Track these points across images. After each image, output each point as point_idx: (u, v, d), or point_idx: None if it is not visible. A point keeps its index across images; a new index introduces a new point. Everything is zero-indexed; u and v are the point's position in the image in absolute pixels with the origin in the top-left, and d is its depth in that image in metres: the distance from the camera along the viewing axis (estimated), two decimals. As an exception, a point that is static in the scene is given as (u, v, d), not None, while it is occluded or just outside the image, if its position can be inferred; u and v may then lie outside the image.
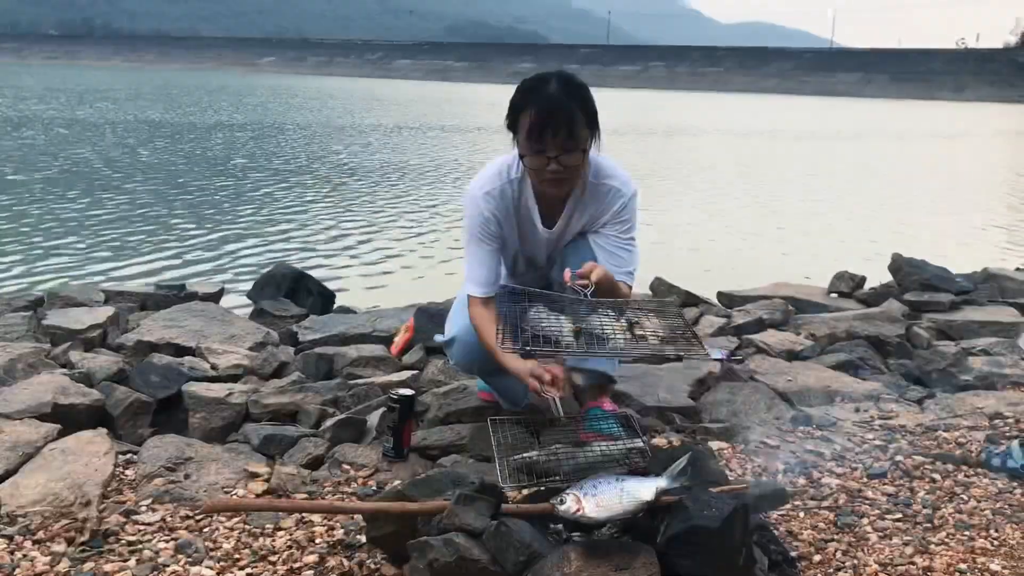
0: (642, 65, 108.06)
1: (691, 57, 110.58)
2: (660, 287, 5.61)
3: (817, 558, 2.12)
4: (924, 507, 2.44)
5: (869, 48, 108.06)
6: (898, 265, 5.58)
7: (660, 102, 54.51)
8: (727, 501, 1.65)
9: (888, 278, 5.71)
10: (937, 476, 2.67)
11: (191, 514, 2.27)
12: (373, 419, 3.04)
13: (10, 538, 2.10)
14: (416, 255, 8.27)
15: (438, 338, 3.02)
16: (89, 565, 1.98)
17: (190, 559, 2.03)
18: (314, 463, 2.76)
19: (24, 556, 2.02)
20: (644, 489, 1.73)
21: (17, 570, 1.96)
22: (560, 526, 1.79)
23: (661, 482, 1.73)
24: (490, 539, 1.63)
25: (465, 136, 22.90)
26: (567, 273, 2.48)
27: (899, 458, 2.81)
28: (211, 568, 2.00)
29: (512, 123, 2.61)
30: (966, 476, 2.69)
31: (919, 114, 49.12)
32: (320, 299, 4.94)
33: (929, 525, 2.33)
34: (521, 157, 2.63)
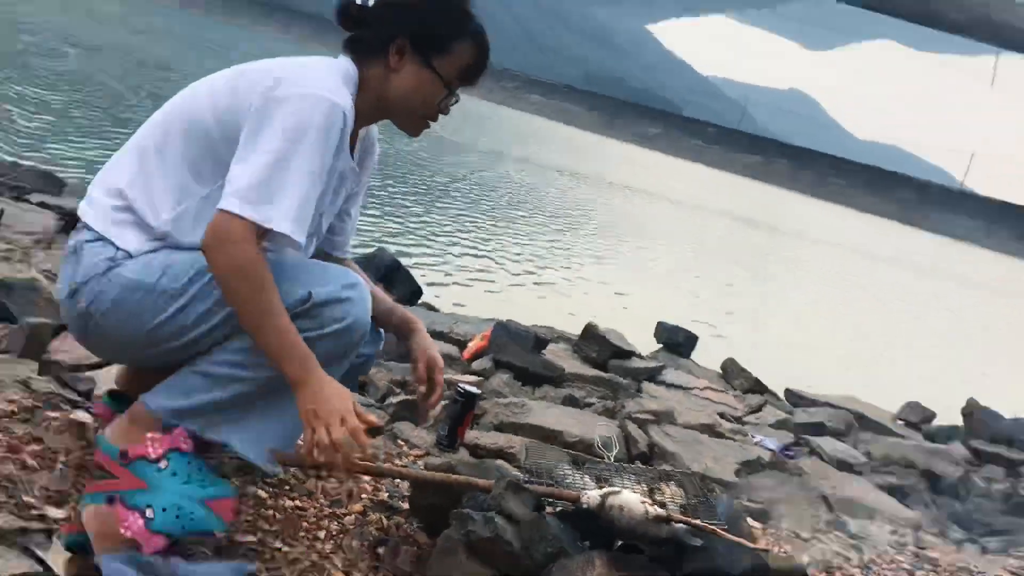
0: (766, 158, 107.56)
1: (819, 163, 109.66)
2: (731, 368, 5.68)
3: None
4: (936, 635, 2.47)
5: (995, 198, 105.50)
6: (971, 410, 5.54)
7: (781, 200, 54.06)
8: (752, 555, 1.75)
9: (958, 420, 5.66)
10: (957, 611, 2.69)
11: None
12: (436, 408, 3.19)
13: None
14: (511, 276, 8.53)
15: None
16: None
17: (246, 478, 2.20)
18: (372, 432, 2.92)
19: (106, 434, 2.22)
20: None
21: (100, 443, 2.15)
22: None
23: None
24: (526, 527, 1.76)
25: (589, 186, 23.20)
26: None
27: (924, 584, 2.83)
28: (263, 490, 2.16)
29: (436, 41, 2.02)
30: (987, 619, 2.70)
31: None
32: (409, 291, 5.15)
33: (936, 651, 2.37)
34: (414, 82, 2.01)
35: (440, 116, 2.09)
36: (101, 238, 1.88)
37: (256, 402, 1.85)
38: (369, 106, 2.02)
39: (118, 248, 1.87)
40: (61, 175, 6.30)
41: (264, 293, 1.74)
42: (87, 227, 1.92)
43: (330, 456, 1.72)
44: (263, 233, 1.73)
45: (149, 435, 1.83)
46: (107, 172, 1.98)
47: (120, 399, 2.12)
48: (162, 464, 1.77)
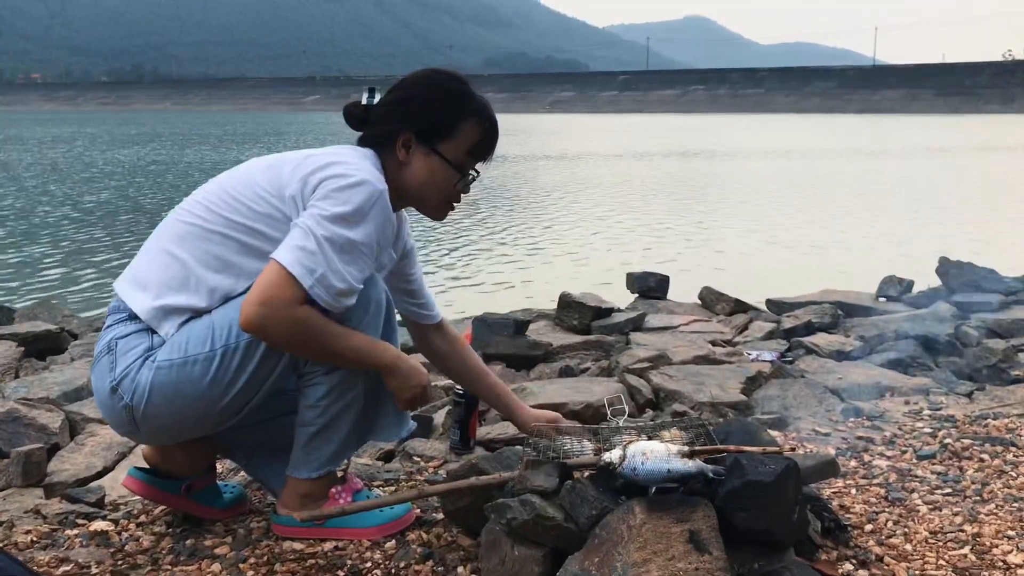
0: (682, 89, 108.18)
1: (731, 79, 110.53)
2: (709, 296, 5.74)
3: (869, 527, 2.22)
4: (973, 483, 2.53)
5: (913, 64, 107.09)
6: (945, 268, 5.65)
7: (702, 125, 54.50)
8: (780, 460, 1.78)
9: (936, 282, 5.77)
10: (986, 456, 2.75)
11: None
12: (438, 418, 3.21)
13: (116, 521, 2.29)
14: (474, 269, 8.53)
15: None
16: (190, 541, 2.16)
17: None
18: (386, 457, 2.94)
19: (131, 536, 2.20)
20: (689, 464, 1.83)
21: (127, 546, 2.14)
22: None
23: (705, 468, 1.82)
24: (564, 496, 1.77)
25: (534, 163, 23.20)
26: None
27: (948, 441, 2.89)
28: (300, 542, 2.16)
29: (440, 129, 2.09)
30: (1015, 456, 2.77)
31: (968, 128, 48.51)
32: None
33: (978, 498, 2.42)
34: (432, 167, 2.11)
35: (462, 196, 2.18)
36: (136, 331, 1.97)
37: (367, 406, 2.12)
38: (393, 194, 2.06)
39: (154, 334, 1.96)
40: (6, 304, 6.20)
41: (324, 332, 1.89)
42: (119, 323, 1.99)
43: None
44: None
45: (332, 489, 2.17)
46: (140, 268, 2.04)
47: (147, 471, 2.21)
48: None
